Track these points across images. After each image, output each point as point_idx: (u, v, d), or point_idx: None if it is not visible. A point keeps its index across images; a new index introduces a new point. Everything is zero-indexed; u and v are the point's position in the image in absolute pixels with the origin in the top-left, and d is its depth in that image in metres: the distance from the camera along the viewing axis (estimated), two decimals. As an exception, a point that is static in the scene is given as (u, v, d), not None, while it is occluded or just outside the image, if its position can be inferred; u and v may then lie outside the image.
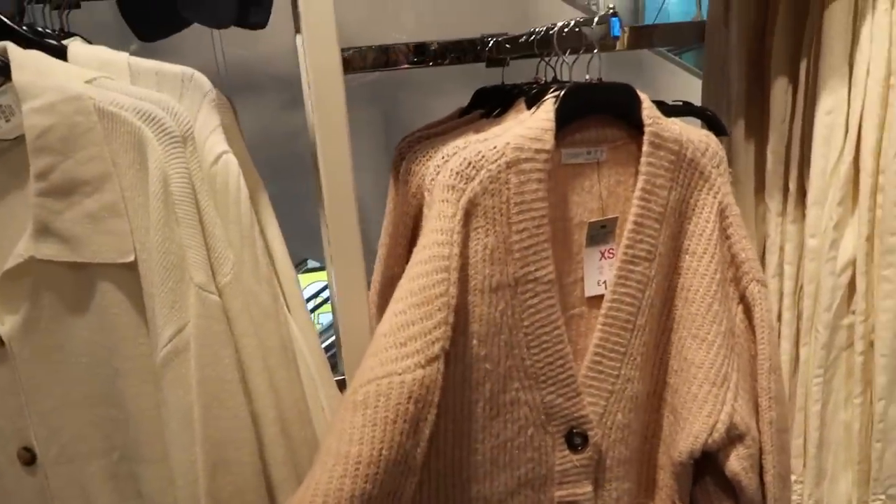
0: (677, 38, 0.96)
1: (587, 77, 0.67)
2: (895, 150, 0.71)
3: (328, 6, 0.51)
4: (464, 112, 0.86)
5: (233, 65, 1.18)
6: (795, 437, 0.81)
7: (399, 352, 0.55)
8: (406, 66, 0.89)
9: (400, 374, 0.54)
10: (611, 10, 0.63)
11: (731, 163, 0.87)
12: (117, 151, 0.52)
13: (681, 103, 0.75)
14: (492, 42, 0.86)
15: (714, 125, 0.72)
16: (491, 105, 0.78)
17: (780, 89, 0.80)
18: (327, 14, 0.51)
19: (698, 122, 0.74)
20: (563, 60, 0.70)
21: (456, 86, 0.90)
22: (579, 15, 1.34)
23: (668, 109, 0.71)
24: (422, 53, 0.88)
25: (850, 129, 0.74)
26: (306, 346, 0.66)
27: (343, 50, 0.84)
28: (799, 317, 0.81)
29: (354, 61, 0.87)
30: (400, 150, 0.74)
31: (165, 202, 0.51)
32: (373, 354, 0.56)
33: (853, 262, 0.76)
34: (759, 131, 0.84)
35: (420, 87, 1.30)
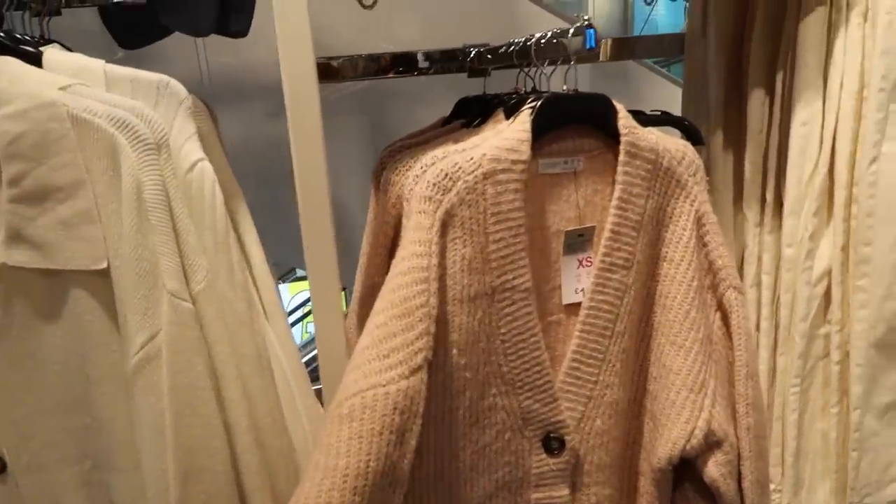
0: (659, 50, 0.97)
1: (564, 88, 0.67)
2: (868, 161, 0.72)
3: (302, 15, 0.52)
4: (446, 121, 0.86)
5: (217, 73, 1.18)
6: (774, 447, 0.82)
7: (382, 363, 0.55)
8: (391, 75, 0.90)
9: (384, 386, 0.54)
10: (586, 22, 0.64)
11: (709, 172, 0.88)
12: (91, 158, 0.52)
13: (659, 113, 0.75)
14: (473, 53, 0.87)
15: (691, 135, 0.72)
16: (472, 115, 0.79)
17: (756, 100, 0.81)
18: (301, 22, 0.52)
19: (677, 131, 0.75)
20: (542, 71, 0.70)
21: (443, 94, 0.90)
22: (564, 26, 1.35)
23: (646, 119, 0.72)
24: (406, 63, 0.88)
25: (824, 141, 0.75)
26: (284, 355, 0.66)
27: (332, 58, 0.85)
28: (777, 326, 0.81)
29: (344, 70, 0.87)
30: (381, 160, 0.75)
31: (138, 209, 0.51)
32: (356, 367, 0.56)
33: (829, 272, 0.77)
34: (737, 141, 0.85)
35: (408, 95, 1.30)
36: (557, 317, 0.67)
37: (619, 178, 0.64)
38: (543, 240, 0.65)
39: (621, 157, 0.64)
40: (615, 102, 0.65)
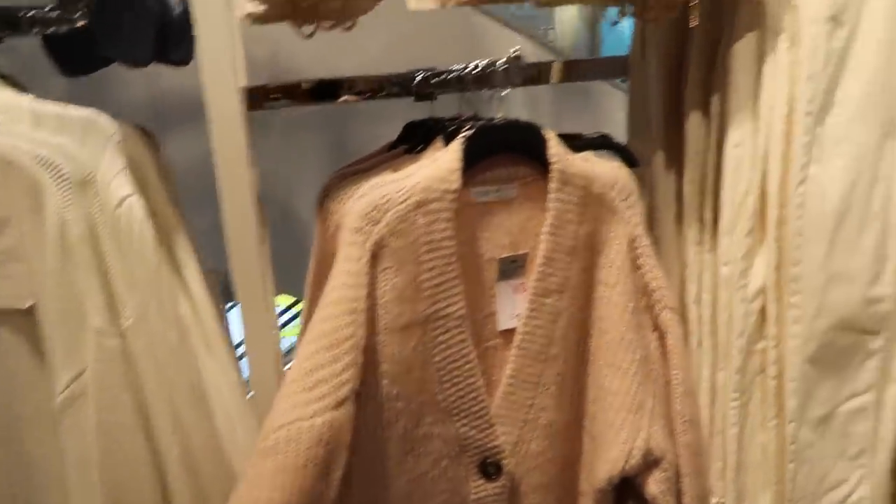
0: (606, 72, 0.99)
1: (498, 115, 0.69)
2: (796, 183, 0.75)
3: (226, 43, 0.52)
4: (393, 146, 0.87)
5: (173, 94, 1.18)
6: (716, 461, 0.83)
7: (308, 395, 0.56)
8: (342, 100, 0.90)
9: (310, 419, 0.55)
10: (515, 53, 0.66)
11: (652, 192, 0.90)
12: (15, 197, 0.52)
13: (596, 136, 0.77)
14: (419, 77, 0.88)
15: (626, 158, 0.74)
16: (416, 140, 0.80)
17: (695, 122, 0.83)
18: (224, 50, 0.52)
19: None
20: (495, 95, 0.72)
21: (405, 115, 0.91)
22: (531, 45, 1.36)
23: (582, 144, 0.74)
24: (350, 89, 0.89)
25: (757, 162, 0.77)
26: (226, 384, 0.66)
27: (265, 85, 0.85)
28: (716, 343, 0.83)
29: (279, 96, 0.87)
30: (324, 188, 0.75)
31: (62, 247, 0.51)
32: (283, 398, 0.57)
33: (763, 290, 0.79)
34: (679, 161, 0.87)
35: (370, 115, 1.31)
36: (493, 342, 0.69)
37: (551, 205, 0.66)
38: (477, 267, 0.66)
39: (552, 185, 0.66)
40: (545, 131, 0.66)
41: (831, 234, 0.75)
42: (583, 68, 0.98)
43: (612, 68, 0.96)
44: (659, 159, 0.88)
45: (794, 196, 0.75)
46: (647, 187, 0.92)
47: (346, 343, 0.56)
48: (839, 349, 0.79)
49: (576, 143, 0.74)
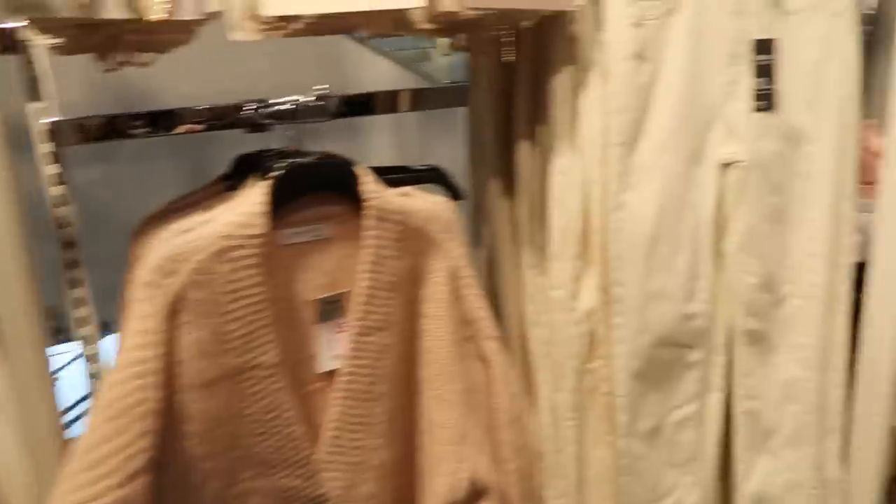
0: (449, 101, 1.00)
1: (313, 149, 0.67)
2: (613, 209, 0.78)
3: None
4: (224, 178, 0.84)
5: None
6: (560, 478, 0.86)
7: (92, 474, 0.51)
8: (162, 133, 0.86)
9: (95, 501, 0.51)
10: (324, 89, 0.65)
11: (489, 219, 0.92)
12: None
13: (425, 168, 0.78)
14: (248, 109, 0.85)
15: (451, 190, 0.75)
16: (242, 173, 0.77)
17: (524, 150, 0.85)
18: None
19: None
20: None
21: (261, 140, 0.89)
22: (398, 70, 1.35)
23: (408, 177, 0.74)
24: (168, 121, 0.85)
25: (580, 190, 0.81)
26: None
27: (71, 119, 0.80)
28: (554, 364, 0.86)
29: (89, 131, 0.82)
30: (132, 232, 0.71)
31: None
32: (65, 480, 0.52)
33: (592, 312, 0.82)
34: (512, 188, 0.89)
35: (230, 140, 1.26)
36: (316, 386, 0.67)
37: (368, 242, 0.65)
38: (293, 310, 0.65)
39: (368, 222, 0.65)
40: (358, 167, 0.66)
41: (647, 256, 0.80)
42: (425, 97, 0.99)
43: (455, 97, 0.97)
44: (494, 186, 0.90)
45: (611, 222, 0.79)
46: (484, 213, 0.93)
47: (136, 410, 0.52)
48: (662, 364, 0.84)
49: (402, 176, 0.74)
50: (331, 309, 0.66)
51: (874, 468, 0.91)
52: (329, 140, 0.95)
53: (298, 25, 0.63)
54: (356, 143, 1.27)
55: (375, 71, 1.35)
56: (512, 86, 0.88)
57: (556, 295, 0.83)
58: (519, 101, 0.85)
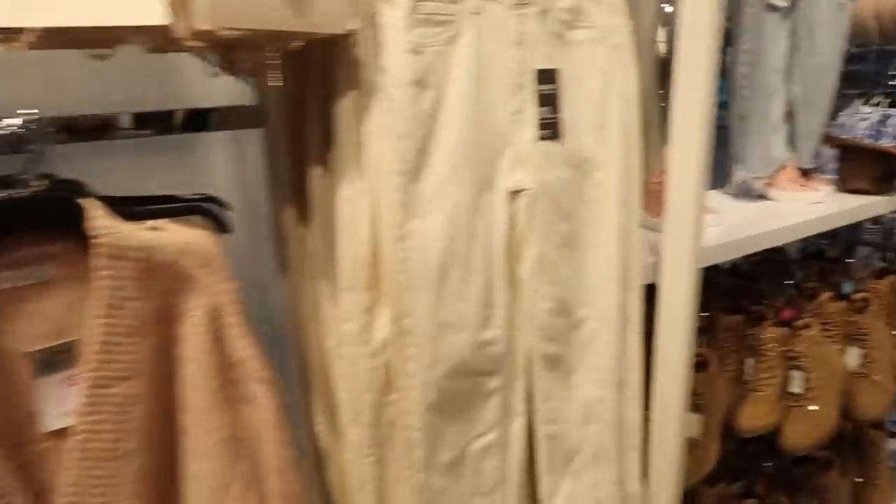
0: (248, 121, 0.95)
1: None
2: (398, 239, 0.76)
3: None
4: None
5: None
6: (362, 518, 0.82)
7: None
8: None
9: None
10: (31, 114, 0.58)
11: (287, 244, 0.88)
12: None
13: (197, 197, 0.72)
14: None
15: (217, 221, 0.70)
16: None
17: (316, 176, 0.82)
18: None
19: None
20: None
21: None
22: (231, 91, 1.27)
23: (169, 209, 0.68)
24: None
25: (367, 218, 0.78)
26: None
27: None
28: (352, 399, 0.82)
29: None
30: None
31: None
32: None
33: (386, 344, 0.80)
34: (306, 213, 0.85)
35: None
36: (43, 446, 0.59)
37: (102, 283, 0.59)
38: (4, 364, 0.57)
39: (99, 261, 0.58)
40: (87, 200, 0.59)
41: (437, 286, 0.78)
42: (222, 116, 0.94)
43: (254, 118, 0.92)
44: (290, 213, 0.86)
45: (398, 251, 0.77)
46: (284, 241, 0.89)
47: None
48: (460, 394, 0.83)
49: (163, 207, 0.68)
50: (59, 360, 0.59)
51: (671, 480, 0.95)
52: (133, 162, 0.87)
53: (31, 38, 0.56)
54: (187, 162, 1.19)
55: (215, 86, 1.27)
56: (303, 108, 0.84)
57: (347, 328, 0.79)
58: (310, 126, 0.82)
